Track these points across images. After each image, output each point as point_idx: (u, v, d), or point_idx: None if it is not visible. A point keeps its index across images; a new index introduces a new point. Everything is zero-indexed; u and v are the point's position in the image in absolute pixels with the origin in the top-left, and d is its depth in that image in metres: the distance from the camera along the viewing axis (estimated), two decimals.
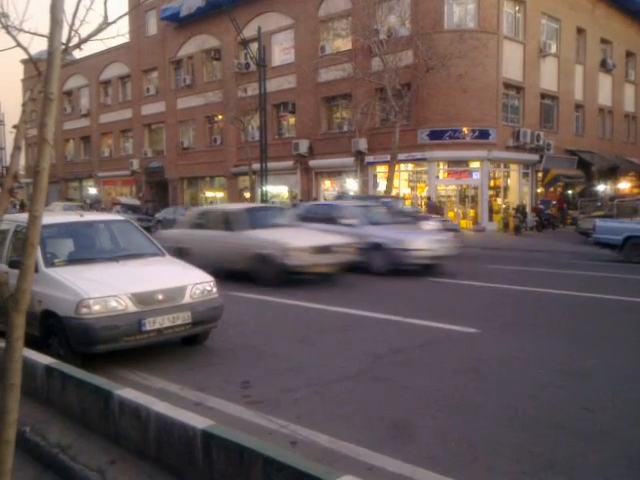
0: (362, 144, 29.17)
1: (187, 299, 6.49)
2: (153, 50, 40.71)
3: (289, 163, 32.53)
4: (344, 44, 30.67)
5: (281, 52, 34.20)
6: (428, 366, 6.38)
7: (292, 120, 34.22)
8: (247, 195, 34.55)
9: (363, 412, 5.01)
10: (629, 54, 37.88)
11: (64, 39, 2.84)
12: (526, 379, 5.86)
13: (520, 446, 4.30)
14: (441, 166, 28.70)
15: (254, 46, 30.19)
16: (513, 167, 30.08)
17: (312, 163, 32.13)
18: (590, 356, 6.75)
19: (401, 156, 26.27)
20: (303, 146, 31.85)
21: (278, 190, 34.20)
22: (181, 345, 7.12)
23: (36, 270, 5.65)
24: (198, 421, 3.58)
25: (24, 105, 3.24)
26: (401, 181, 29.59)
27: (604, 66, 35.22)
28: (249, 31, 31.53)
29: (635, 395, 5.44)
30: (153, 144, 42.95)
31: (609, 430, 4.60)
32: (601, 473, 3.92)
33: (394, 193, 26.61)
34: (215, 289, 6.86)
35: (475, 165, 28.44)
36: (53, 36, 2.49)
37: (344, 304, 9.74)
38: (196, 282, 6.69)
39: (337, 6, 30.51)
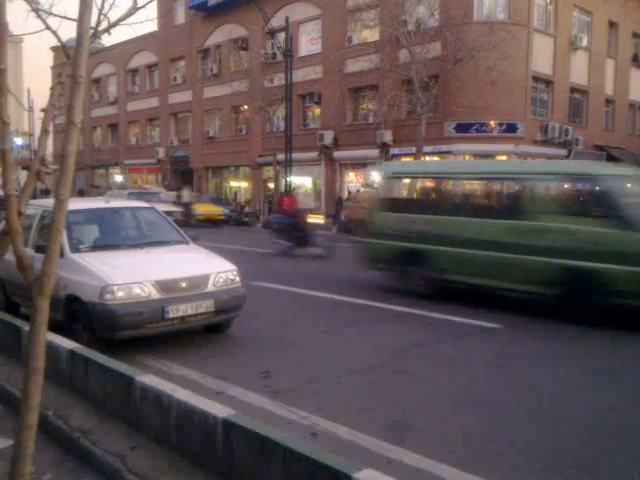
0: (387, 136, 28.97)
1: (210, 287, 6.50)
2: (181, 39, 40.82)
3: (313, 154, 32.43)
4: (372, 35, 30.43)
5: (308, 42, 34.03)
6: (452, 360, 6.31)
7: (317, 111, 34.09)
8: (271, 185, 34.57)
9: (385, 405, 4.97)
10: None
11: (93, 23, 2.82)
12: (551, 376, 5.77)
13: (545, 444, 4.23)
14: (467, 159, 28.42)
15: (281, 36, 30.17)
16: (541, 161, 29.66)
17: (336, 154, 32.00)
18: (617, 354, 6.63)
19: (426, 149, 26.03)
20: (328, 137, 31.73)
21: (302, 181, 34.16)
22: (203, 333, 7.14)
23: (61, 255, 5.69)
24: (219, 410, 3.57)
25: (52, 89, 3.24)
26: None
27: (636, 61, 34.47)
28: (277, 21, 31.45)
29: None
30: (179, 133, 43.16)
31: (636, 430, 4.50)
32: (628, 473, 3.84)
33: None
34: (238, 278, 6.86)
35: (502, 159, 28.09)
36: (82, 18, 2.47)
37: (367, 297, 9.68)
38: (219, 270, 6.68)
39: None
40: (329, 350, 6.67)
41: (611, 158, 31.49)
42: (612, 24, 32.53)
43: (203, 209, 28.20)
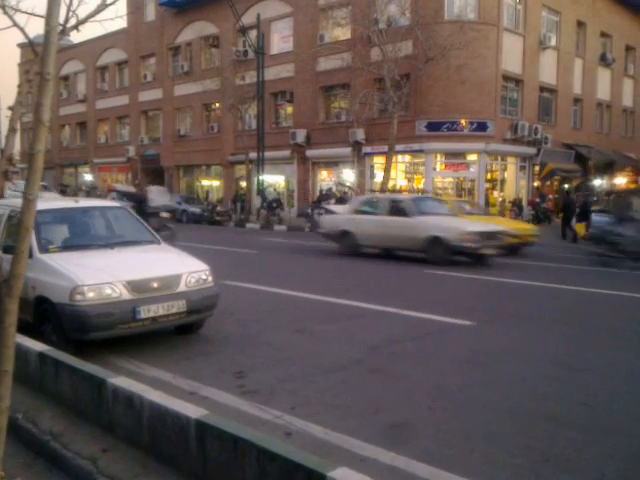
0: (360, 134, 29.08)
1: (182, 287, 6.45)
2: (151, 36, 40.41)
3: (286, 152, 32.41)
4: (343, 33, 30.50)
5: (280, 40, 33.98)
6: (424, 358, 6.36)
7: (290, 109, 34.09)
8: (243, 184, 34.43)
9: (358, 403, 4.99)
10: (629, 48, 37.78)
11: (62, 20, 2.78)
12: (523, 372, 5.84)
13: (517, 439, 4.29)
14: (438, 158, 28.65)
15: (253, 34, 30.08)
16: (510, 160, 30.04)
17: (309, 153, 32.02)
18: (588, 350, 6.75)
19: (398, 147, 26.19)
20: (300, 135, 31.73)
21: (274, 180, 34.09)
22: (176, 334, 7.08)
23: (30, 256, 5.59)
24: (192, 410, 3.55)
25: (20, 86, 3.18)
26: (398, 172, 29.52)
27: (603, 60, 35.12)
28: (248, 18, 31.32)
29: (634, 390, 5.43)
30: (149, 131, 42.74)
31: (607, 425, 4.58)
32: (598, 467, 3.90)
33: (390, 185, 26.55)
34: (211, 278, 6.81)
35: (472, 157, 28.40)
36: (50, 14, 2.42)
37: (340, 295, 9.71)
38: (192, 270, 6.64)
39: None
40: (303, 349, 6.67)
41: (579, 156, 32.04)
42: (580, 24, 33.11)
43: None
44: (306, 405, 4.89)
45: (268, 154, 29.42)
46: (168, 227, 15.66)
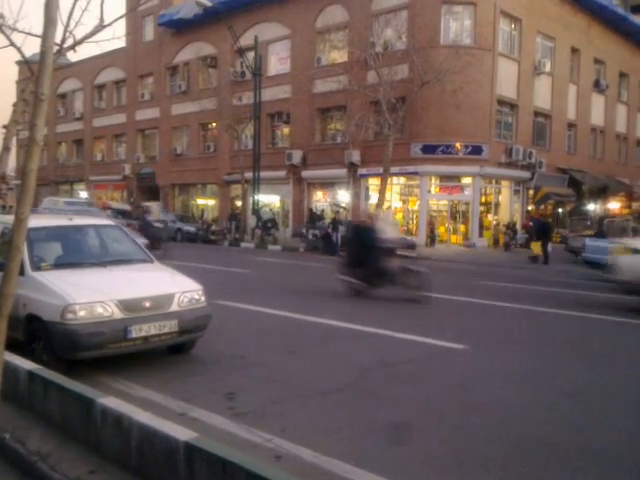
0: (355, 156, 29.21)
1: (175, 307, 6.42)
2: (149, 56, 40.69)
3: (282, 173, 32.50)
4: (340, 56, 30.76)
5: (277, 62, 34.27)
6: (416, 381, 6.33)
7: (286, 130, 34.24)
8: (239, 204, 34.47)
9: (349, 426, 4.95)
10: (622, 74, 38.20)
11: (58, 40, 2.79)
12: (515, 396, 5.82)
13: (509, 464, 4.26)
14: (433, 180, 28.77)
15: (250, 55, 30.32)
16: (505, 184, 30.20)
17: (305, 174, 32.13)
18: (580, 374, 6.73)
19: (394, 169, 26.29)
20: (296, 156, 31.86)
21: (270, 199, 34.13)
22: (167, 353, 7.03)
23: (22, 273, 5.56)
24: (181, 433, 3.51)
25: (15, 105, 3.19)
26: (393, 194, 29.63)
27: (597, 86, 35.50)
28: (246, 40, 31.60)
29: (625, 414, 5.41)
30: (146, 150, 42.85)
31: (599, 449, 4.56)
32: None
33: (385, 206, 26.62)
34: (203, 298, 6.79)
35: (467, 180, 28.53)
36: (46, 35, 2.44)
37: (334, 317, 9.67)
38: (184, 290, 6.61)
39: (334, 18, 30.62)
40: (295, 370, 6.63)
41: (573, 181, 32.22)
42: (574, 50, 33.50)
43: None
44: (296, 428, 4.85)
45: (264, 174, 29.52)
46: (161, 242, 15.84)
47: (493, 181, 29.71)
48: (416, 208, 28.55)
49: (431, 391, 5.98)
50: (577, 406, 5.64)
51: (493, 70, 27.89)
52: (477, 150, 27.47)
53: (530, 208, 30.86)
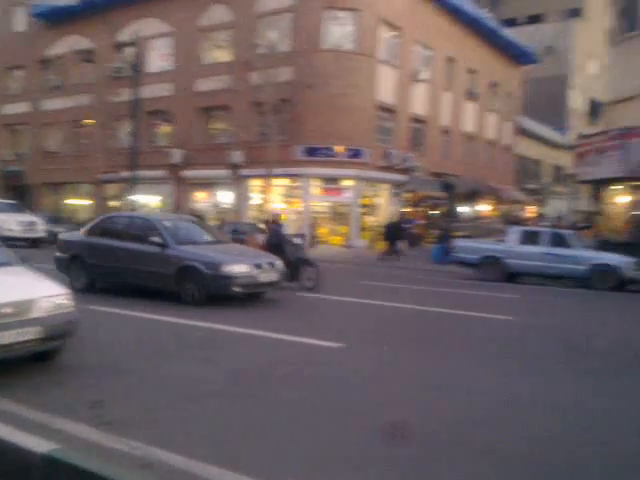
0: (238, 157, 29.03)
1: (38, 313, 6.02)
2: (20, 47, 38.28)
3: (162, 172, 31.69)
4: (224, 55, 30.49)
5: (159, 58, 33.35)
6: (293, 382, 6.34)
7: (167, 129, 33.43)
8: (116, 204, 33.22)
9: (225, 430, 4.87)
10: (493, 84, 40.52)
11: None
12: (389, 393, 5.98)
13: (385, 461, 4.35)
14: (315, 183, 29.16)
15: (130, 51, 29.34)
16: (383, 186, 31.15)
17: (186, 173, 31.51)
18: (451, 369, 7.03)
19: (277, 171, 26.42)
20: (177, 156, 31.18)
21: (150, 200, 33.16)
22: (30, 362, 6.60)
23: None
24: (38, 444, 3.28)
25: None
26: (276, 196, 29.72)
27: (470, 94, 37.49)
28: (126, 35, 30.60)
29: (489, 405, 5.69)
30: (14, 146, 40.26)
31: (473, 441, 4.76)
32: None
33: (269, 207, 26.66)
34: (71, 302, 6.43)
35: (348, 183, 29.16)
36: None
37: (207, 319, 9.51)
38: (49, 295, 6.22)
39: (219, 17, 30.31)
40: (169, 376, 6.43)
41: (446, 185, 33.79)
42: (450, 59, 35.19)
43: None
44: (169, 434, 4.70)
45: (143, 173, 28.61)
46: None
47: (372, 184, 30.56)
48: (300, 210, 28.83)
49: (307, 391, 6.01)
50: (441, 397, 5.88)
51: (373, 76, 28.72)
52: (357, 153, 28.17)
53: (407, 210, 32.01)
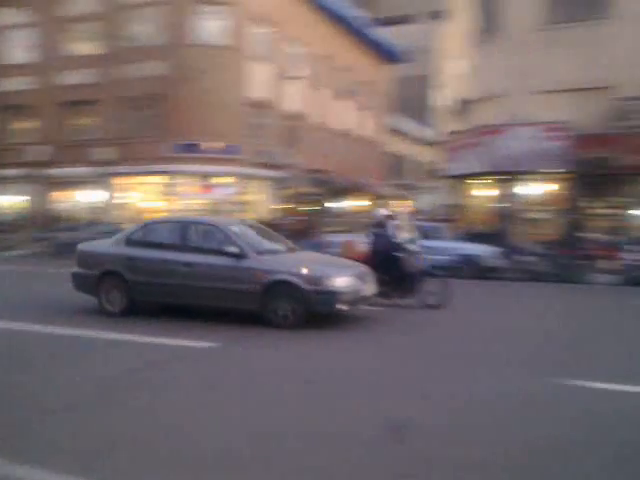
0: (108, 153, 27.87)
1: None
2: None
3: (22, 171, 29.73)
4: (91, 48, 29.13)
5: (17, 49, 31.24)
6: (165, 386, 6.17)
7: (28, 124, 31.41)
8: None
9: (89, 444, 4.66)
10: (365, 82, 41.53)
11: None
12: (263, 391, 6.00)
13: (263, 460, 4.36)
14: (191, 180, 28.62)
15: None
16: (260, 183, 31.10)
17: (50, 171, 29.78)
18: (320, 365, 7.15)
19: (150, 168, 25.66)
20: (39, 153, 29.39)
21: (10, 200, 31.03)
22: None
23: None
24: None
25: None
26: (149, 194, 28.83)
27: (343, 92, 38.25)
28: None
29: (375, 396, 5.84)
30: None
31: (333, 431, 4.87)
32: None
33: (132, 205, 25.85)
34: None
35: (223, 180, 28.86)
36: None
37: (80, 326, 9.08)
38: None
39: (85, 7, 28.91)
40: (29, 388, 6.06)
41: (321, 181, 34.42)
42: (326, 57, 35.66)
43: None
44: (26, 450, 4.43)
45: (1, 172, 26.78)
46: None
47: (249, 180, 30.43)
48: (179, 208, 28.19)
49: (178, 395, 5.89)
50: (311, 391, 5.99)
51: (245, 72, 28.58)
52: (232, 150, 27.95)
53: (282, 207, 32.22)
